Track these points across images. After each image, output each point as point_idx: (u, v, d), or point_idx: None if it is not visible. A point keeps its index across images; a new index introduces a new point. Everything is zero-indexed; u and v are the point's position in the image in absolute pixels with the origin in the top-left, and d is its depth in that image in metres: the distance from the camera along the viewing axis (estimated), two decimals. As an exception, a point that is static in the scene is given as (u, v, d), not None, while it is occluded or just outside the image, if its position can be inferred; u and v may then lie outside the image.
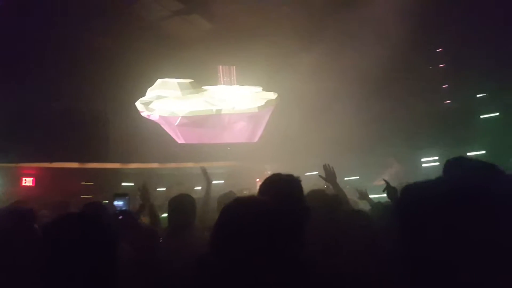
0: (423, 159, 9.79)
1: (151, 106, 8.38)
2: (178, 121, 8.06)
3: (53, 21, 7.04)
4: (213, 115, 8.19)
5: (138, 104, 8.34)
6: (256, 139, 8.73)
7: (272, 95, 8.41)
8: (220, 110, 8.17)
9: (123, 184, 8.93)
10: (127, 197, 3.74)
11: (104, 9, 7.23)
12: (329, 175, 3.86)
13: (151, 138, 8.58)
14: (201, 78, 8.20)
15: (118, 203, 3.69)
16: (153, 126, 8.52)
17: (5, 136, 7.78)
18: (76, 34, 7.10)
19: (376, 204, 4.22)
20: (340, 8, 7.57)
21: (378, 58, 7.66)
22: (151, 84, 8.13)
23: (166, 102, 8.37)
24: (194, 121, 8.18)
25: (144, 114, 8.47)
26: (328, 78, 7.97)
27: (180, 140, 8.68)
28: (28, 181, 9.04)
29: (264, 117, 8.51)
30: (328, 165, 3.91)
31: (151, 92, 8.24)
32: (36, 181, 9.09)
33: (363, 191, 4.76)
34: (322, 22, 7.64)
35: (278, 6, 8.17)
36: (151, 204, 3.74)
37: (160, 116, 8.19)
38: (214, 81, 8.15)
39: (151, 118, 8.46)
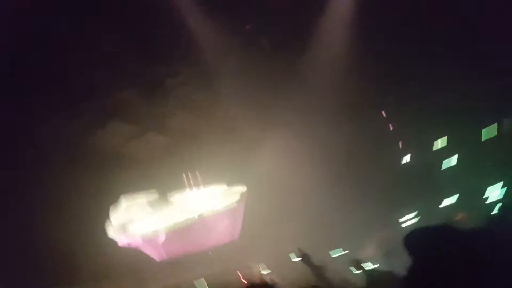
0: (401, 220, 9.75)
1: (128, 231, 8.06)
2: (163, 237, 7.78)
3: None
4: (197, 221, 8.02)
5: (114, 234, 8.01)
6: (237, 236, 8.56)
7: (242, 188, 8.51)
8: (202, 214, 8.06)
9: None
10: None
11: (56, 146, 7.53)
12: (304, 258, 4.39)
13: (119, 267, 8.19)
14: (167, 189, 8.26)
15: None
16: (120, 253, 8.20)
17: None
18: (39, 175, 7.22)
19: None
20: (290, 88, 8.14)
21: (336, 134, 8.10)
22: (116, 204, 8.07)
23: (141, 222, 8.13)
24: (180, 233, 7.91)
25: (123, 242, 8.03)
26: (293, 161, 8.25)
27: (162, 258, 8.24)
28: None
29: (240, 211, 8.47)
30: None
31: (119, 216, 8.06)
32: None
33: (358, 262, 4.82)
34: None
35: (226, 110, 8.77)
36: None
37: (143, 239, 7.83)
38: (180, 189, 8.23)
39: (133, 245, 8.04)
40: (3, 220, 7.30)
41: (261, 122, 8.14)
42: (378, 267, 6.55)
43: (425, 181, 9.37)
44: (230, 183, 8.36)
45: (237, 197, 8.52)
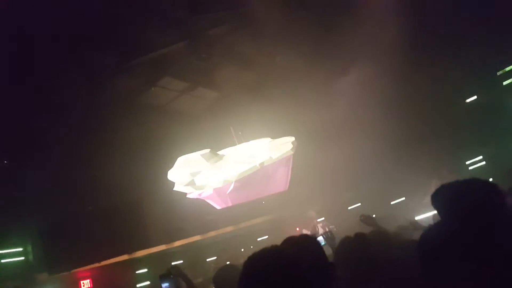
0: (468, 162, 9.33)
1: (197, 184, 8.45)
2: (231, 186, 8.11)
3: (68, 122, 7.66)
4: (259, 170, 8.21)
5: (181, 187, 8.45)
6: (287, 186, 8.70)
7: (291, 139, 8.47)
8: (263, 162, 8.23)
9: (172, 263, 9.04)
10: (171, 276, 3.74)
11: (112, 101, 7.83)
12: (367, 220, 4.12)
13: (185, 214, 8.76)
14: (217, 144, 8.44)
15: (165, 284, 3.69)
16: (183, 202, 8.71)
17: (54, 246, 8.28)
18: (92, 137, 7.64)
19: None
20: (333, 37, 7.70)
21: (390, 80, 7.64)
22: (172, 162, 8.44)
23: (207, 175, 8.46)
24: (245, 182, 8.20)
25: (193, 195, 8.48)
26: (343, 107, 7.97)
27: (225, 205, 8.67)
28: (86, 284, 9.39)
29: (290, 161, 8.51)
30: (363, 215, 4.18)
31: (181, 173, 8.43)
32: (93, 281, 9.42)
33: (413, 221, 4.69)
34: (315, 57, 7.79)
35: (272, 58, 8.48)
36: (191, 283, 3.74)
37: (214, 189, 8.21)
38: (230, 144, 8.35)
39: (202, 196, 8.48)
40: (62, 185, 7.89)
41: (312, 71, 7.78)
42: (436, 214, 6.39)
43: (492, 122, 8.74)
44: (280, 134, 8.34)
45: (287, 147, 8.52)
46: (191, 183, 8.01)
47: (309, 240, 2.06)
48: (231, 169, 7.85)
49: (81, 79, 7.58)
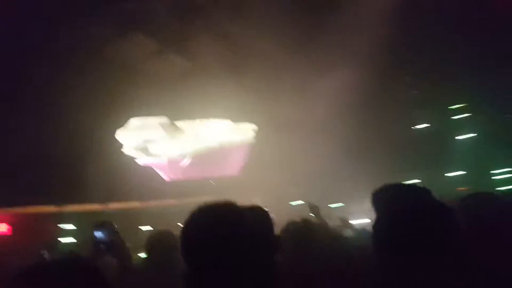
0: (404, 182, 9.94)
1: (150, 151, 8.10)
2: (186, 160, 7.88)
3: (27, 64, 7.03)
4: (217, 149, 8.07)
5: (132, 151, 8.07)
6: (238, 171, 8.75)
7: (252, 126, 8.51)
8: (223, 143, 8.11)
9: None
10: (107, 227, 3.48)
11: (75, 47, 7.30)
12: (312, 207, 4.29)
13: (129, 176, 8.46)
14: (179, 114, 8.24)
15: (99, 234, 3.40)
16: (131, 164, 8.41)
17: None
18: (50, 73, 7.08)
19: (359, 231, 4.39)
20: (317, 35, 7.80)
21: (354, 87, 7.90)
22: (124, 123, 8.08)
23: (163, 144, 8.17)
24: (200, 159, 8.04)
25: (143, 161, 8.11)
26: (308, 107, 8.13)
27: (173, 178, 8.46)
28: (2, 227, 8.72)
29: (245, 148, 8.56)
30: (308, 202, 4.40)
31: (133, 136, 8.07)
32: (11, 227, 8.77)
33: (345, 219, 5.11)
34: (295, 52, 7.85)
35: (252, 40, 8.40)
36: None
37: (168, 160, 7.91)
38: (189, 117, 8.21)
39: (153, 164, 8.14)
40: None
41: (290, 64, 7.83)
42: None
43: (436, 149, 9.39)
44: (241, 118, 8.34)
45: (246, 133, 8.56)
46: (144, 149, 7.77)
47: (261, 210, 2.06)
48: (189, 142, 7.74)
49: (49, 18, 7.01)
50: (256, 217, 1.76)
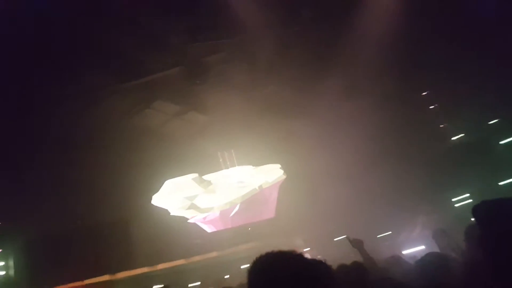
0: (454, 199, 9.37)
1: (201, 207, 8.35)
2: (236, 208, 8.09)
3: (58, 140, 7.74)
4: (257, 193, 8.22)
5: (181, 211, 8.38)
6: (273, 214, 8.75)
7: (278, 167, 8.59)
8: (261, 185, 8.24)
9: (154, 287, 8.96)
10: None
11: (104, 122, 7.96)
12: (354, 242, 4.13)
13: (170, 237, 8.77)
14: (205, 168, 8.53)
15: None
16: (170, 225, 8.72)
17: (37, 262, 8.24)
18: (81, 155, 7.73)
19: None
20: (328, 71, 7.92)
21: (377, 118, 7.81)
22: (160, 185, 8.48)
23: (209, 197, 8.44)
24: (246, 205, 8.22)
25: (196, 218, 8.37)
26: (331, 145, 8.12)
27: (222, 228, 8.59)
28: (66, 301, 9.24)
29: (275, 190, 8.61)
30: (349, 237, 4.23)
31: (173, 197, 8.41)
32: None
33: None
34: (308, 94, 7.99)
35: (265, 87, 8.69)
36: None
37: (221, 211, 8.17)
38: (217, 168, 8.47)
39: (207, 219, 8.38)
40: (48, 201, 7.94)
41: (299, 103, 7.97)
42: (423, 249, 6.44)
43: (481, 159, 8.84)
44: (265, 162, 8.46)
45: (278, 172, 8.64)
46: (194, 207, 8.05)
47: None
48: (233, 191, 7.94)
49: (74, 97, 7.76)
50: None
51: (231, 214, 7.95)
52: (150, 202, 8.85)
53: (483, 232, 1.81)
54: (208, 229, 8.89)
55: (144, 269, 9.38)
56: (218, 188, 8.19)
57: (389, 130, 8.09)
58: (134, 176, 8.27)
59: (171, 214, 8.16)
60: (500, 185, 8.66)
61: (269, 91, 8.60)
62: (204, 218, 8.04)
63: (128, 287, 9.41)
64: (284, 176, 8.24)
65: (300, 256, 1.47)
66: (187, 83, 8.50)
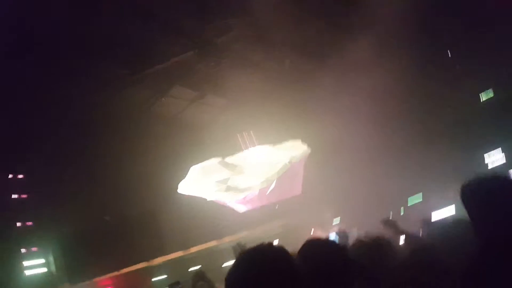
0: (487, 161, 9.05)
1: (240, 188, 8.37)
2: (273, 185, 8.11)
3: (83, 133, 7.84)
4: (289, 168, 8.22)
5: (219, 195, 8.40)
6: (300, 191, 8.74)
7: (299, 142, 8.51)
8: (291, 160, 8.22)
9: (190, 269, 9.18)
10: (179, 285, 3.88)
11: (124, 112, 7.99)
12: (388, 223, 4.20)
13: (200, 220, 8.89)
14: (227, 150, 8.54)
15: None
16: (198, 208, 8.81)
17: (75, 256, 8.52)
18: (105, 148, 7.82)
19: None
20: (346, 40, 7.69)
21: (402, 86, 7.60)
22: (185, 172, 8.52)
23: (244, 178, 8.44)
24: (279, 182, 8.23)
25: (236, 199, 8.42)
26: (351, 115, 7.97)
27: (258, 205, 8.62)
28: (108, 289, 9.62)
29: (301, 167, 8.55)
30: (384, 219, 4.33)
31: (203, 182, 8.43)
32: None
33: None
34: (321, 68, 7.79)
35: (280, 63, 8.52)
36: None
37: (260, 190, 8.21)
38: (237, 150, 8.47)
39: (247, 198, 8.41)
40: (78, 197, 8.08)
41: (321, 76, 7.78)
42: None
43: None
44: (287, 139, 8.40)
45: (298, 151, 8.56)
46: (233, 189, 8.09)
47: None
48: (266, 169, 7.94)
49: (93, 90, 7.77)
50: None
51: (268, 192, 7.96)
52: (176, 189, 8.97)
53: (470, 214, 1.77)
54: (241, 209, 8.92)
55: (179, 253, 9.63)
56: (247, 168, 8.19)
57: (417, 94, 7.86)
58: (158, 165, 8.35)
59: (208, 199, 8.23)
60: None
61: (285, 67, 8.43)
62: (244, 198, 8.07)
63: (165, 272, 9.70)
64: (309, 151, 8.18)
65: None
66: (202, 67, 8.39)
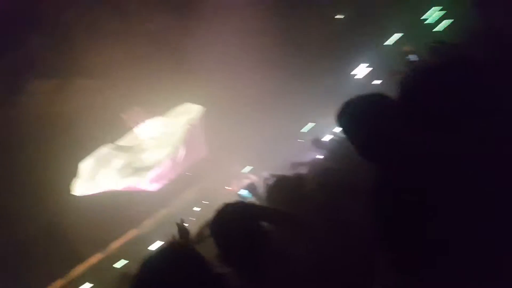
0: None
1: (147, 164, 7.72)
2: (180, 151, 7.63)
3: None
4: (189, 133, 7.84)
5: (132, 180, 7.64)
6: (205, 152, 8.58)
7: (190, 104, 8.22)
8: (187, 124, 7.82)
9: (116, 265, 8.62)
10: None
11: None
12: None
13: (111, 213, 8.25)
14: (116, 133, 7.87)
15: None
16: (108, 199, 8.13)
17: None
18: None
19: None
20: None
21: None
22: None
23: (148, 155, 7.80)
24: (187, 147, 7.83)
25: (150, 177, 7.74)
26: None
27: (174, 175, 8.19)
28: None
29: (199, 128, 8.33)
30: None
31: (108, 172, 7.66)
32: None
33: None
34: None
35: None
36: None
37: (171, 159, 7.63)
38: (127, 130, 7.87)
39: (161, 173, 7.79)
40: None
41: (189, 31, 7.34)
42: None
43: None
44: (176, 105, 8.02)
45: (193, 112, 8.27)
46: (141, 169, 7.49)
47: None
48: (167, 138, 7.54)
49: None
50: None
51: (178, 160, 7.66)
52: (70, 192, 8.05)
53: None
54: (155, 187, 8.47)
55: (98, 256, 8.91)
56: (146, 145, 7.68)
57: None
58: (41, 174, 7.34)
59: (119, 188, 7.58)
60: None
61: (150, 30, 7.75)
62: (158, 174, 7.63)
63: (89, 280, 8.96)
64: (203, 109, 7.94)
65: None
66: (54, 52, 7.26)
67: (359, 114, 1.82)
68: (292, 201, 2.63)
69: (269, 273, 1.87)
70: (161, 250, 1.62)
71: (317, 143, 5.15)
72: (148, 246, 8.41)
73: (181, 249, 1.63)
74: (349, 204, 2.25)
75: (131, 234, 9.00)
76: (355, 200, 2.07)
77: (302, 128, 9.20)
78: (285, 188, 2.85)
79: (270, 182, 3.09)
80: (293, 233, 2.19)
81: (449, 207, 1.17)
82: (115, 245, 8.96)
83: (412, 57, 5.69)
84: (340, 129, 1.98)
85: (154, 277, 1.44)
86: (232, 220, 2.04)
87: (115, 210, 8.37)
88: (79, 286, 8.95)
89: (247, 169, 8.88)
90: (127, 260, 8.19)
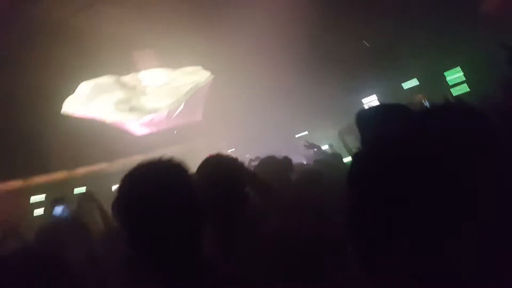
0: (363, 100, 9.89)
1: (148, 107, 7.65)
2: (181, 107, 7.59)
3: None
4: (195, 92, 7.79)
5: (124, 115, 7.60)
6: (200, 117, 8.67)
7: (202, 69, 8.21)
8: (198, 84, 7.80)
9: (76, 190, 8.71)
10: (63, 202, 3.61)
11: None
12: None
13: (89, 139, 8.28)
14: (123, 68, 7.79)
15: (59, 208, 3.55)
16: (92, 127, 8.16)
17: None
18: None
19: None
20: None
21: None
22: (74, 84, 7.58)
23: (151, 98, 7.74)
24: (187, 105, 7.80)
25: (142, 120, 7.66)
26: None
27: (162, 128, 8.20)
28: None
29: (203, 93, 8.38)
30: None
31: (103, 100, 7.58)
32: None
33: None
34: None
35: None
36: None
37: (169, 111, 7.55)
38: (134, 69, 7.77)
39: (154, 120, 7.76)
40: None
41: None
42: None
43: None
44: (190, 63, 8.01)
45: (203, 77, 8.31)
46: (137, 109, 7.45)
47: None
48: (172, 91, 7.50)
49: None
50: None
51: (175, 115, 7.68)
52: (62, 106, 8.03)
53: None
54: (139, 132, 8.52)
55: (63, 173, 8.95)
56: (149, 90, 7.67)
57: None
58: (42, 78, 7.27)
59: (108, 121, 7.56)
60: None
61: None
62: (151, 120, 7.64)
63: (45, 192, 8.99)
64: (213, 76, 7.98)
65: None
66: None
67: (381, 113, 1.90)
68: (278, 181, 2.66)
69: (239, 236, 1.84)
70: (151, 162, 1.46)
71: (310, 145, 5.32)
72: (112, 185, 8.56)
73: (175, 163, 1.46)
74: (330, 199, 2.24)
75: (101, 166, 9.09)
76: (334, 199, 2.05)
77: (297, 134, 9.39)
78: (273, 166, 2.94)
79: (256, 162, 3.18)
80: (269, 207, 2.17)
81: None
82: (81, 170, 9.05)
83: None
84: (358, 120, 2.01)
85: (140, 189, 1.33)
86: (224, 169, 1.99)
87: (95, 136, 8.42)
88: (33, 195, 9.03)
89: (231, 151, 9.05)
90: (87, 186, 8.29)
